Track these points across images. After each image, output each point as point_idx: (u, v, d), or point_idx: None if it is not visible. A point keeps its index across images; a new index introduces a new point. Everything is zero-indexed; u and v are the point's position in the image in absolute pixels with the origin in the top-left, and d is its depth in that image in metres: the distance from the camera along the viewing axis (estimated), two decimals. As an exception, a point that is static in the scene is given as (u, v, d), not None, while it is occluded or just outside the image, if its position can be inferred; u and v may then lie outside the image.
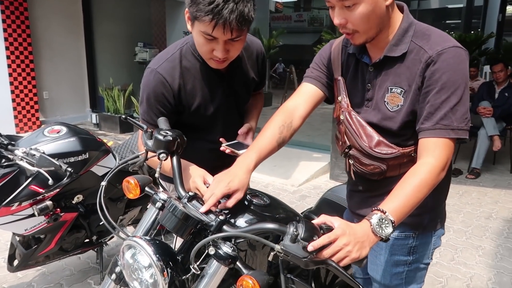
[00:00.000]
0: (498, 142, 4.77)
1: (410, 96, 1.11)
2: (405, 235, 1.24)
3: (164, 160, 1.09)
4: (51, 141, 2.03)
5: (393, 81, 1.14)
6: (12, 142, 1.95)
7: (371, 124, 1.19)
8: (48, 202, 1.94)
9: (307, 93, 1.31)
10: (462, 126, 1.06)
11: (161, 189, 1.14)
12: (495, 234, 3.36)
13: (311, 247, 0.91)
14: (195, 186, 1.18)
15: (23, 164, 1.82)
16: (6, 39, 6.36)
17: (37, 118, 7.07)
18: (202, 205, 1.05)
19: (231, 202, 1.06)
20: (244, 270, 0.97)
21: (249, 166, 1.14)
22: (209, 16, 1.14)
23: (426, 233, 1.26)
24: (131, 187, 1.12)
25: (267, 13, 11.17)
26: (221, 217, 1.00)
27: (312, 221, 1.00)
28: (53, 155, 1.94)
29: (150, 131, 1.13)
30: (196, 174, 1.21)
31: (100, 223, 2.47)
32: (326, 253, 0.92)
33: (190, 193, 1.07)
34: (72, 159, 2.07)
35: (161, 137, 1.08)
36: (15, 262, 2.24)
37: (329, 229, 1.00)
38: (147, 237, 1.00)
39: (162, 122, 1.24)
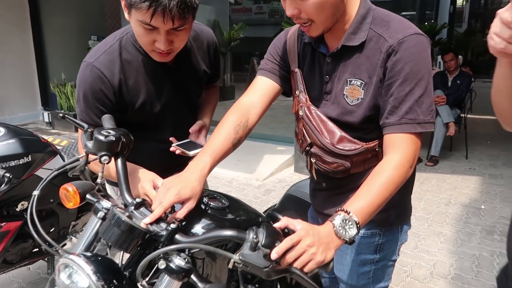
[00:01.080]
0: (452, 128, 4.95)
1: (372, 89, 1.04)
2: (371, 233, 1.18)
3: (107, 163, 0.96)
4: (-13, 144, 1.83)
5: (352, 73, 1.06)
6: None
7: (332, 119, 1.11)
8: (-14, 211, 1.75)
9: (262, 87, 1.22)
10: (428, 119, 1.01)
11: (111, 195, 1.02)
12: (454, 220, 3.45)
13: (274, 254, 0.83)
14: (144, 192, 1.06)
15: (-47, 171, 1.62)
16: None
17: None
18: (151, 211, 0.94)
19: (181, 213, 0.95)
20: (199, 284, 0.87)
21: (203, 171, 1.03)
22: (146, 3, 1.01)
23: (393, 229, 1.20)
24: (69, 195, 0.99)
25: (227, 5, 10.98)
26: (172, 226, 0.89)
27: (274, 225, 0.92)
28: (-11, 160, 1.75)
29: (90, 131, 1.00)
30: (145, 178, 1.09)
31: (51, 230, 2.30)
32: (289, 256, 0.84)
33: (137, 200, 0.95)
34: (12, 163, 1.88)
35: (102, 138, 0.95)
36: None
37: (292, 232, 0.92)
38: (87, 253, 0.88)
39: (106, 119, 1.11)
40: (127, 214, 0.90)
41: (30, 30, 7.21)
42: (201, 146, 1.30)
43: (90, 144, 0.99)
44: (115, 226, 0.81)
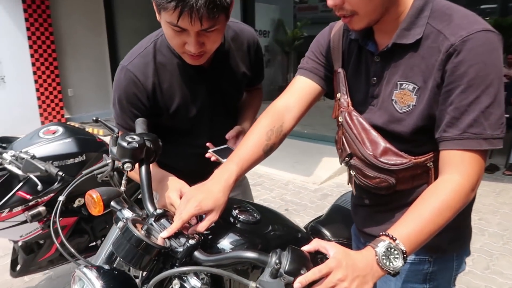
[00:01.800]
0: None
1: (426, 95, 0.88)
2: (419, 260, 1.02)
3: (130, 170, 0.93)
4: (46, 142, 1.93)
5: (404, 75, 0.92)
6: (4, 145, 1.85)
7: (376, 128, 0.97)
8: (41, 208, 1.84)
9: (300, 89, 1.11)
10: (497, 133, 0.83)
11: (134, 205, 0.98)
12: (537, 239, 3.04)
13: (298, 284, 0.73)
14: (170, 202, 1.01)
15: (12, 168, 1.71)
16: (29, 38, 6.43)
17: (62, 116, 7.15)
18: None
19: (202, 226, 0.88)
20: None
21: (227, 181, 0.95)
22: (172, 3, 0.95)
23: (446, 257, 1.04)
24: (94, 202, 0.97)
25: (291, 4, 10.85)
26: (191, 242, 0.83)
27: (303, 248, 0.81)
28: (47, 158, 1.84)
29: (116, 136, 0.97)
30: (172, 187, 1.04)
31: (106, 227, 2.38)
32: None
33: (158, 211, 0.90)
34: (68, 162, 1.96)
35: (124, 144, 0.91)
36: (18, 267, 2.17)
37: (324, 258, 0.81)
38: (104, 266, 0.84)
39: (139, 124, 1.08)
40: (146, 226, 0.85)
41: (105, 33, 7.70)
42: None
43: (115, 150, 0.95)
44: (127, 241, 0.76)
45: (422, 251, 0.98)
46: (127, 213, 0.92)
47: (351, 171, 1.07)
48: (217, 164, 1.24)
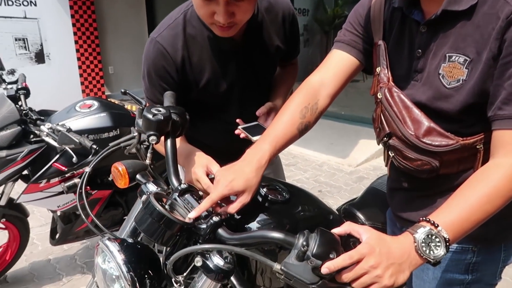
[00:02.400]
0: None
1: (480, 68, 0.78)
2: (462, 248, 0.94)
3: (155, 143, 0.90)
4: (82, 116, 1.96)
5: (454, 46, 0.81)
6: (42, 118, 1.89)
7: (419, 105, 0.88)
8: (76, 180, 1.88)
9: (337, 63, 1.02)
10: None
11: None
12: None
13: (325, 268, 0.67)
14: (196, 178, 0.97)
15: (49, 140, 1.75)
16: (72, 16, 6.59)
17: (103, 93, 7.35)
18: (197, 200, 0.85)
19: (233, 208, 0.84)
20: (240, 289, 0.76)
21: (260, 162, 0.90)
22: None
23: (492, 248, 0.94)
24: (119, 175, 0.95)
25: (333, -19, 10.46)
26: (215, 219, 0.79)
27: (333, 231, 0.76)
28: (82, 131, 1.87)
29: (142, 109, 0.94)
30: (199, 163, 1.01)
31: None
32: (345, 276, 0.68)
33: (183, 186, 0.87)
34: (103, 135, 1.98)
35: (150, 116, 0.88)
36: (57, 236, 2.25)
37: (356, 242, 0.75)
38: (128, 240, 0.83)
39: (167, 97, 1.05)
40: (170, 201, 0.83)
41: (145, 11, 7.76)
42: None
43: (140, 122, 0.93)
44: (149, 215, 0.74)
45: (466, 240, 0.89)
46: (152, 187, 0.90)
47: (389, 152, 0.99)
48: (246, 141, 1.19)
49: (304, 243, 0.70)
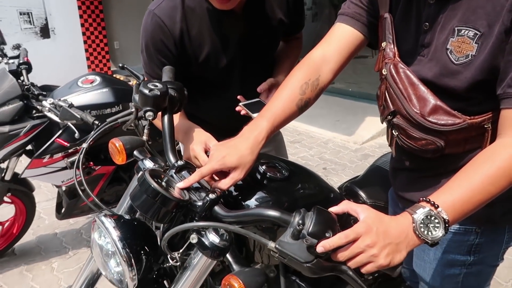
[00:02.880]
0: None
1: (490, 43, 0.74)
2: (465, 230, 0.92)
3: (152, 119, 0.88)
4: (84, 92, 1.94)
5: (464, 19, 0.77)
6: (44, 93, 1.88)
7: (426, 82, 0.85)
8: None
9: (340, 37, 0.99)
10: None
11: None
12: None
13: (321, 247, 0.67)
14: (194, 154, 0.96)
15: (51, 115, 1.75)
16: (76, -11, 6.48)
17: (109, 68, 7.31)
18: None
19: (225, 183, 0.84)
20: (234, 266, 0.76)
21: (257, 139, 0.88)
22: None
23: (497, 230, 0.93)
24: (116, 151, 0.94)
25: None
26: (211, 196, 0.78)
27: (330, 209, 0.75)
28: (84, 107, 1.86)
29: (138, 83, 0.92)
30: (197, 139, 0.99)
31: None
32: (341, 255, 0.68)
33: (180, 162, 0.86)
34: (105, 111, 1.97)
35: (146, 91, 0.86)
36: (62, 211, 2.28)
37: (354, 221, 0.74)
38: (125, 216, 0.82)
39: (166, 71, 1.03)
40: (166, 178, 0.82)
41: (150, -15, 7.62)
42: None
43: (137, 97, 0.91)
44: (144, 192, 0.73)
45: (469, 221, 0.88)
46: (148, 164, 0.89)
47: (393, 131, 0.97)
48: (247, 118, 1.17)
49: (300, 221, 0.69)
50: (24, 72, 1.92)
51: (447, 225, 0.69)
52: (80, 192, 0.92)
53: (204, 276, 0.79)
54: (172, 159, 0.88)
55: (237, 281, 0.68)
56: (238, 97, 1.21)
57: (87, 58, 6.94)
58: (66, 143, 1.82)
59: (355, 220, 0.73)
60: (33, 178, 1.98)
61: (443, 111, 0.82)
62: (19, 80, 1.87)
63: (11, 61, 1.96)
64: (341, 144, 4.11)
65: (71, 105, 1.72)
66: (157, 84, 0.89)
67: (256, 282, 0.70)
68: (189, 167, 0.87)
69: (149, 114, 0.87)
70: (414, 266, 1.06)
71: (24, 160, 1.93)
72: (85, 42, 6.83)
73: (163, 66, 1.09)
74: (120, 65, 1.13)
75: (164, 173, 0.82)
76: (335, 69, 1.00)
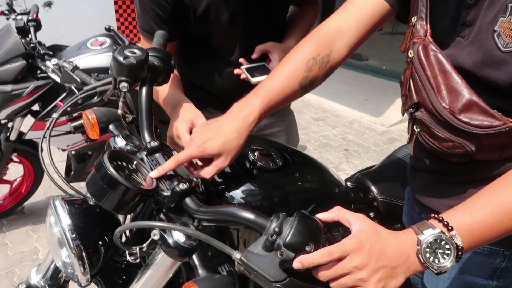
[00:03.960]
0: None
1: None
2: (490, 250, 0.77)
3: (126, 91, 0.77)
4: (92, 54, 1.85)
5: None
6: (50, 53, 1.80)
7: (461, 71, 0.67)
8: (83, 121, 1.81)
9: (361, 6, 0.82)
10: None
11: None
12: None
13: (298, 263, 0.55)
14: (177, 134, 0.85)
15: (54, 77, 1.67)
16: None
17: (138, 31, 7.24)
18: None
19: (207, 172, 0.72)
20: (199, 270, 0.65)
21: (246, 120, 0.75)
22: None
23: None
24: (89, 124, 0.84)
25: None
26: (181, 187, 0.67)
27: (318, 215, 0.62)
28: (90, 70, 1.77)
29: (115, 49, 0.80)
30: (184, 117, 0.88)
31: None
32: (322, 274, 0.56)
33: (153, 144, 0.74)
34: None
35: (120, 58, 0.75)
36: (71, 174, 2.26)
37: (345, 232, 0.61)
38: (86, 199, 0.73)
39: (157, 37, 0.91)
40: (135, 162, 0.71)
41: None
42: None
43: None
44: (100, 178, 0.62)
45: (496, 242, 0.73)
46: (120, 142, 0.79)
47: (414, 126, 0.81)
48: (248, 86, 1.05)
49: (277, 229, 0.57)
50: (32, 29, 1.84)
51: (460, 253, 0.55)
52: (44, 166, 0.83)
53: (168, 277, 0.69)
54: (147, 138, 0.77)
55: (197, 290, 0.58)
56: (241, 60, 1.08)
57: (117, 19, 6.86)
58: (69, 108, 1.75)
59: (345, 232, 0.60)
60: (36, 140, 1.94)
61: (478, 109, 0.65)
62: (26, 38, 1.80)
63: (19, 17, 1.88)
64: (367, 125, 3.91)
65: (75, 67, 1.63)
66: (135, 50, 0.78)
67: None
68: (164, 149, 0.76)
69: (123, 85, 0.76)
70: (425, 280, 0.92)
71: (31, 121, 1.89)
72: (115, 2, 6.74)
73: (159, 19, 0.99)
74: (107, 26, 1.02)
75: (132, 155, 0.72)
76: (351, 45, 0.83)
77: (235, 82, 1.09)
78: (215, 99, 1.20)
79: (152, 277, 0.68)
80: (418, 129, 0.78)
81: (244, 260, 0.55)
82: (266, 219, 0.60)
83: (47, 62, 1.67)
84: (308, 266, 0.55)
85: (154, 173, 0.69)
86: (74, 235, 0.64)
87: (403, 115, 0.86)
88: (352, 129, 3.78)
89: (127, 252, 0.67)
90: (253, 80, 1.02)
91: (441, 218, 0.57)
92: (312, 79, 0.82)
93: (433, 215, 0.58)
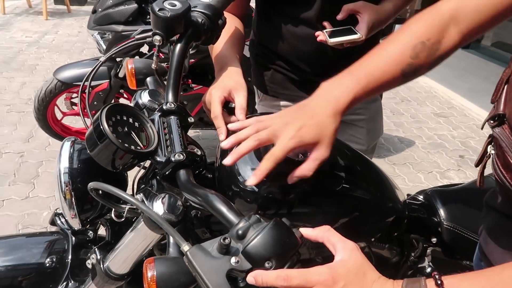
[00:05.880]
0: None
1: None
2: None
3: (159, 45, 0.73)
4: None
5: None
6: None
7: None
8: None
9: None
10: None
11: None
12: None
13: (251, 278, 0.47)
14: (210, 100, 0.78)
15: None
16: None
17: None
18: (179, 127, 0.69)
19: (308, 169, 0.61)
20: (170, 249, 0.61)
21: (338, 101, 0.62)
22: None
23: None
24: (128, 74, 0.84)
25: None
26: (177, 157, 0.62)
27: (301, 230, 0.52)
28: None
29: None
30: (222, 83, 0.80)
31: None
32: None
33: (169, 105, 0.70)
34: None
35: (156, 9, 0.71)
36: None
37: (326, 258, 0.50)
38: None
39: None
40: (143, 119, 0.68)
41: None
42: (356, 35, 0.91)
43: (152, 16, 0.76)
44: (93, 129, 0.60)
45: None
46: (145, 97, 0.76)
47: (489, 147, 0.62)
48: (327, 54, 0.94)
49: (240, 232, 0.49)
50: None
51: None
52: (81, 113, 0.86)
53: (148, 247, 0.66)
54: (171, 96, 0.73)
55: (152, 270, 0.53)
56: (324, 23, 0.96)
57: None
58: (161, 55, 1.82)
59: (325, 258, 0.49)
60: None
61: None
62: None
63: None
64: (462, 113, 3.33)
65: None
66: (175, 2, 0.72)
67: (176, 282, 0.54)
68: (181, 113, 0.71)
69: (156, 38, 0.72)
70: None
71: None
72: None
73: None
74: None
75: (141, 113, 0.68)
76: (467, 33, 0.65)
77: (312, 48, 0.98)
78: (297, 72, 1.09)
79: (133, 241, 0.65)
80: (493, 151, 0.60)
81: (189, 256, 0.48)
82: (238, 216, 0.52)
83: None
84: (260, 285, 0.46)
85: (253, 181, 0.59)
86: (68, 179, 0.65)
87: (481, 128, 0.67)
88: (477, 135, 3.25)
89: (113, 210, 0.65)
90: (331, 40, 0.90)
91: (439, 282, 0.41)
92: (417, 67, 0.66)
93: (434, 273, 0.43)
